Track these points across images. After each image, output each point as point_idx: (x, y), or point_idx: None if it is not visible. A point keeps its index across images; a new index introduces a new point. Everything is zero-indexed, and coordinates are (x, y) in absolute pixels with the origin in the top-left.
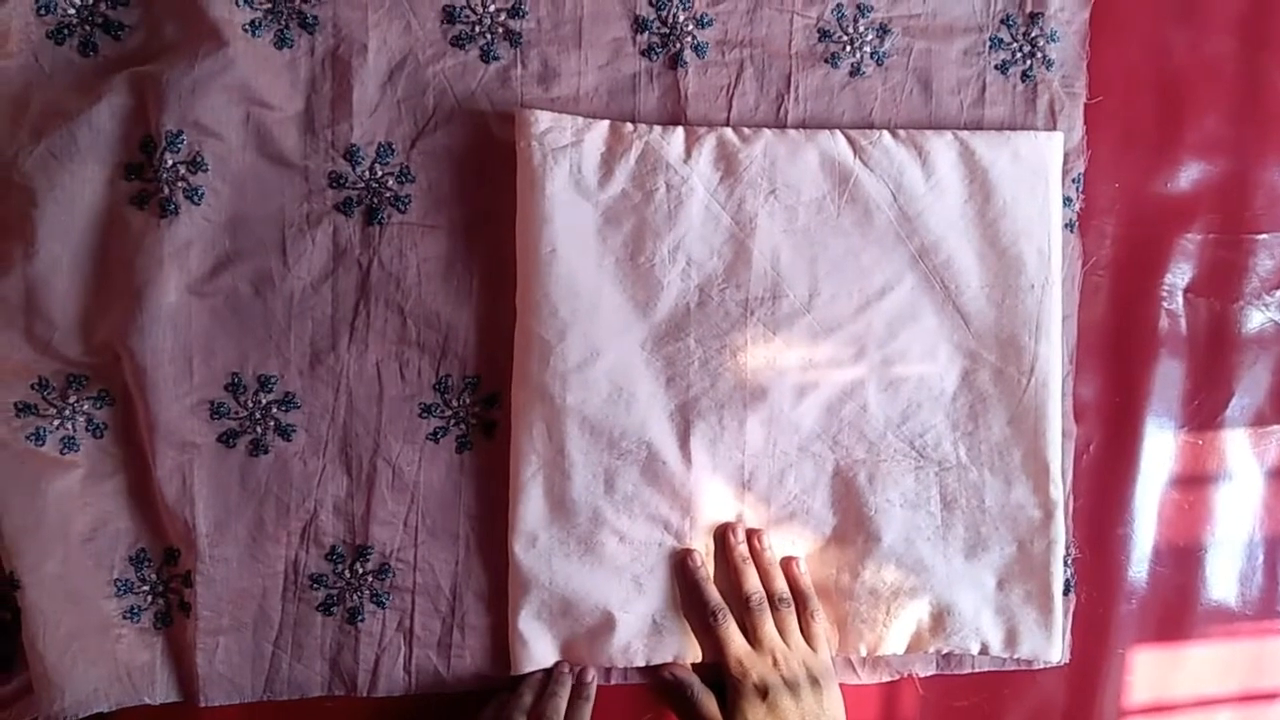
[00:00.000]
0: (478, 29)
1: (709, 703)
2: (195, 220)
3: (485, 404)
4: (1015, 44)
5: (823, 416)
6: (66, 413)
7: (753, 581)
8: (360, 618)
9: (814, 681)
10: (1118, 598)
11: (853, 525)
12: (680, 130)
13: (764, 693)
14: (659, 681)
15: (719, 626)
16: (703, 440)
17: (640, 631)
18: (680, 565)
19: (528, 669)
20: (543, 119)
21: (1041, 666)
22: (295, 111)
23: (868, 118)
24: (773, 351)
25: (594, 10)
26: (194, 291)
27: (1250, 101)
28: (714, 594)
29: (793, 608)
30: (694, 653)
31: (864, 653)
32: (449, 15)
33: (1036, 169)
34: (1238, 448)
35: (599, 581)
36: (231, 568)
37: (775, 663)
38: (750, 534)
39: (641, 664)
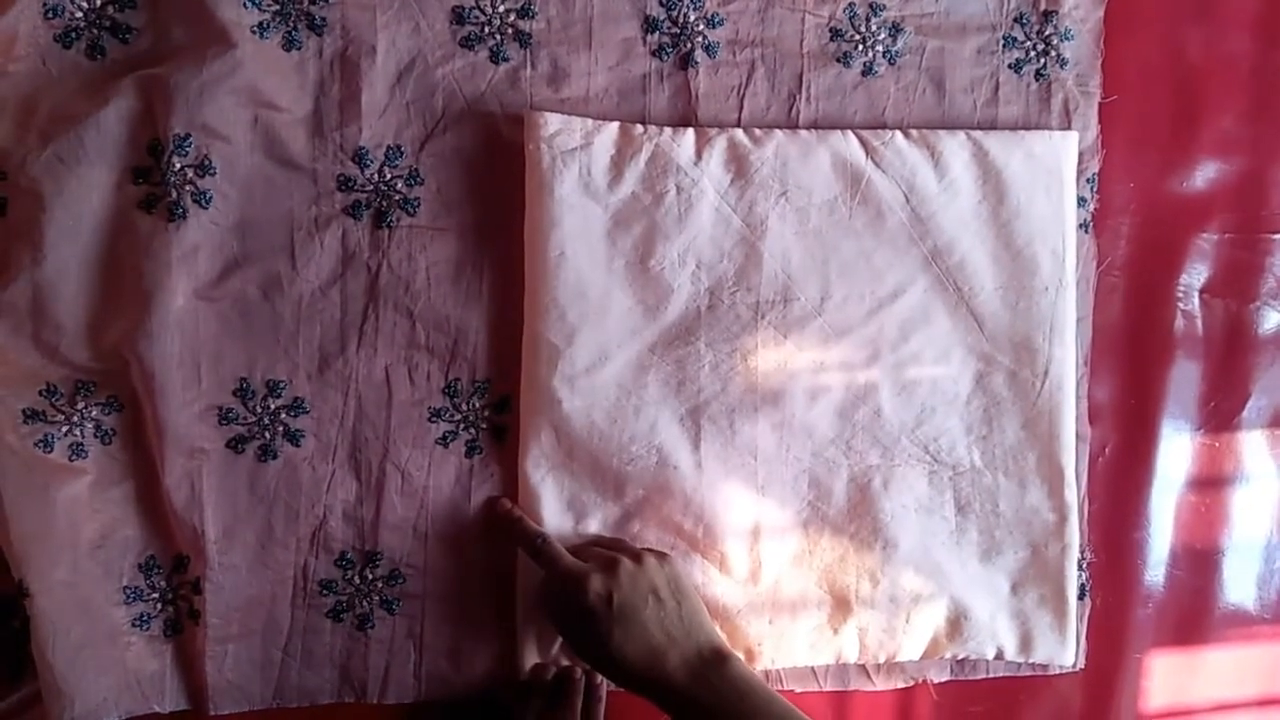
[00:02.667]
0: (487, 30)
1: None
2: (203, 224)
3: (495, 408)
4: (1029, 42)
5: (836, 421)
6: (75, 419)
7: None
8: (370, 624)
9: (660, 557)
10: (1134, 602)
11: (869, 531)
12: (691, 132)
13: (607, 566)
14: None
15: (546, 548)
16: (714, 445)
17: None
18: (490, 514)
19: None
20: (552, 121)
21: (1057, 671)
22: (304, 114)
23: (880, 117)
24: (784, 355)
25: (604, 10)
26: (202, 296)
27: (1266, 99)
28: (531, 524)
29: None
30: None
31: (882, 660)
32: (458, 16)
33: (1051, 169)
34: (1255, 449)
35: None
36: (240, 574)
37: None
38: None
39: None
